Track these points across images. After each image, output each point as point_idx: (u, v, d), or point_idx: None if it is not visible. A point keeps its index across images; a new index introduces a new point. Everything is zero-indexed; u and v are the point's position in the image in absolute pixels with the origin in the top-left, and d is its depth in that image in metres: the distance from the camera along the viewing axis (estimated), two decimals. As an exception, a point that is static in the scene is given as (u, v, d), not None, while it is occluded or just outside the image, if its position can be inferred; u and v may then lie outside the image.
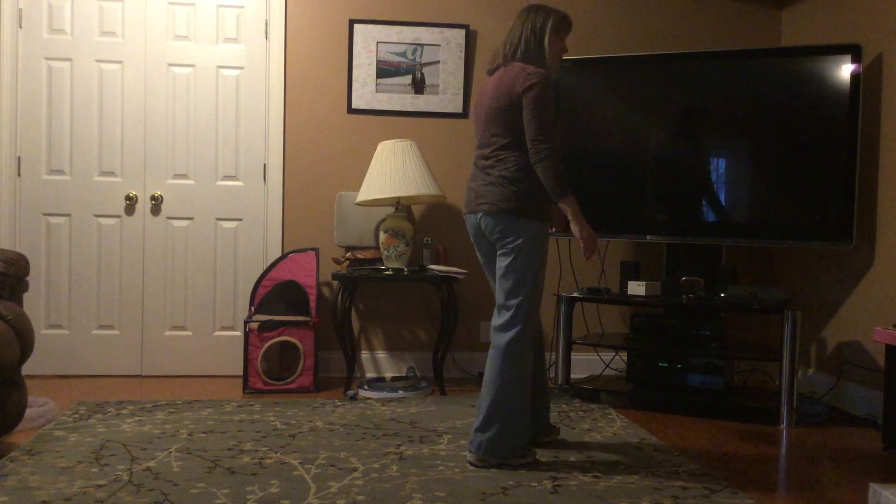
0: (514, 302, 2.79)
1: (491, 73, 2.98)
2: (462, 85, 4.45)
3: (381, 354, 4.48)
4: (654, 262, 4.49)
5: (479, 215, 2.87)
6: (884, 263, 3.68)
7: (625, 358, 4.19)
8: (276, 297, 4.19)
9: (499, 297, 2.85)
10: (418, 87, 4.44)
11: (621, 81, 4.10)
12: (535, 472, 2.72)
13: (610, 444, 3.12)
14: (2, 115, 4.19)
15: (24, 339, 2.90)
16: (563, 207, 2.80)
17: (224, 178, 4.38)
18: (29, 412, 3.21)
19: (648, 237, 4.05)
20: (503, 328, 2.80)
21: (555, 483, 2.62)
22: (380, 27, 4.40)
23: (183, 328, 4.38)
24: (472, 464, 2.80)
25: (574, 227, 2.82)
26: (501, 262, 2.83)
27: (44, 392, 3.88)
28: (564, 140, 4.16)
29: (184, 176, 4.36)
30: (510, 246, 2.80)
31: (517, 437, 2.78)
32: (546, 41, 2.87)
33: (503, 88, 2.83)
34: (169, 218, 4.35)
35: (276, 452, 2.90)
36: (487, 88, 2.93)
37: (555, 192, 2.77)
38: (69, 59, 4.26)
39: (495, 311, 2.86)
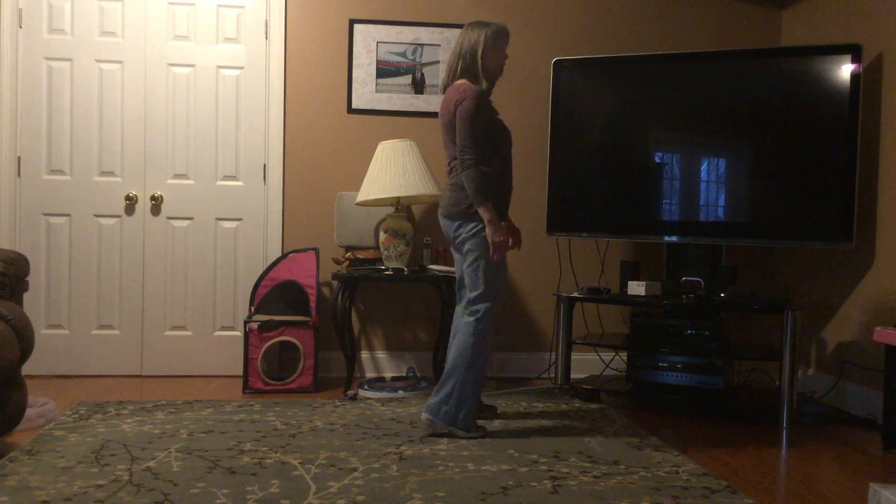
0: (472, 294, 3.15)
1: (442, 90, 3.28)
2: (462, 85, 4.45)
3: (381, 354, 4.48)
4: (654, 262, 4.49)
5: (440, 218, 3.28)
6: (884, 263, 3.68)
7: (625, 358, 4.19)
8: (276, 297, 4.19)
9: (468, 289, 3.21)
10: (418, 87, 4.44)
11: (621, 81, 4.10)
12: (535, 472, 2.72)
13: (610, 444, 3.12)
14: (2, 115, 4.19)
15: (24, 339, 2.90)
16: (480, 212, 3.07)
17: (224, 178, 4.38)
18: (29, 412, 3.21)
19: (648, 237, 4.06)
20: (463, 315, 3.17)
21: (555, 483, 2.62)
22: (380, 27, 4.40)
23: (183, 328, 4.38)
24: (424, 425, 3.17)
25: (488, 231, 3.08)
26: (463, 261, 3.21)
27: (44, 392, 3.88)
28: (564, 140, 4.16)
29: (184, 176, 4.36)
30: (463, 245, 3.16)
31: (462, 408, 3.12)
32: (480, 55, 3.16)
33: (445, 105, 3.18)
34: (169, 218, 4.35)
35: (276, 452, 2.90)
36: (441, 105, 3.24)
37: (474, 198, 3.07)
38: (69, 59, 4.27)
39: (463, 301, 3.22)
